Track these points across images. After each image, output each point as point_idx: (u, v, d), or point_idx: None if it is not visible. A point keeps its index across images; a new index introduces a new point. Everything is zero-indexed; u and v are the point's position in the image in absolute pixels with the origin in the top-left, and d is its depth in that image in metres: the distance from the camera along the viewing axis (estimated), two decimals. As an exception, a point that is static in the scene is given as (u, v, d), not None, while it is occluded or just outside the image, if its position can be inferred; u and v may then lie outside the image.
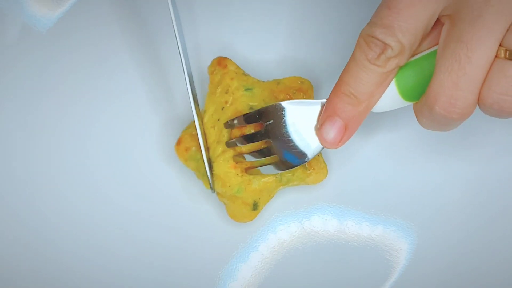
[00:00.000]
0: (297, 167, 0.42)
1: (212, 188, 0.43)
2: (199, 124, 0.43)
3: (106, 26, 0.48)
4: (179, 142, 0.44)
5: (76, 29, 0.48)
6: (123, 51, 0.48)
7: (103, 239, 0.45)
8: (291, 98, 0.43)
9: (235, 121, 0.42)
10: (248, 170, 0.42)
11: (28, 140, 0.47)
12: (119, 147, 0.46)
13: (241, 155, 0.43)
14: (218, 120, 0.43)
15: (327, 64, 0.47)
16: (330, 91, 0.39)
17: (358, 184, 0.45)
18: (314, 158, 0.43)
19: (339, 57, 0.43)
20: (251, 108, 0.43)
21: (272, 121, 0.41)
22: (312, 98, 0.44)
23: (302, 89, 0.44)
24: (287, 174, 0.43)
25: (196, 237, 0.45)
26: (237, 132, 0.43)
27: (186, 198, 0.46)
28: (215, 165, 0.43)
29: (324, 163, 0.44)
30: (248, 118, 0.42)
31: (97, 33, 0.48)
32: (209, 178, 0.43)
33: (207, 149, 0.44)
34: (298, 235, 0.45)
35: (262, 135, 0.42)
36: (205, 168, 0.43)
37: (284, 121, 0.41)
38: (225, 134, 0.43)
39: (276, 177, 0.43)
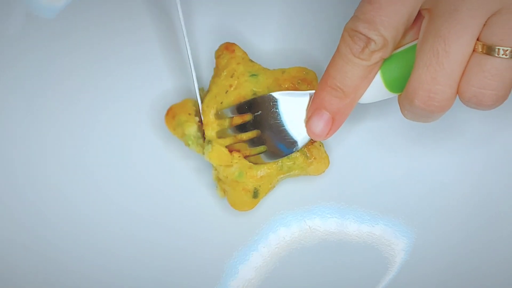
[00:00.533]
0: (298, 156, 0.42)
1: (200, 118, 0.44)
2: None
3: (109, 16, 0.48)
4: (167, 112, 0.44)
5: (77, 23, 0.48)
6: (124, 43, 0.48)
7: (103, 239, 0.45)
8: (295, 88, 0.44)
9: (227, 111, 0.43)
10: (248, 157, 0.43)
11: (28, 140, 0.47)
12: (118, 147, 0.47)
13: (236, 143, 0.43)
14: (221, 103, 0.44)
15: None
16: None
17: (359, 182, 0.45)
18: (315, 147, 0.43)
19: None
20: (254, 94, 0.43)
21: (260, 112, 0.42)
22: None
23: (307, 80, 0.44)
24: (288, 162, 0.43)
25: (196, 236, 0.45)
26: (238, 120, 0.43)
27: (186, 198, 0.46)
28: (213, 143, 0.43)
29: (326, 153, 0.44)
30: (239, 108, 0.43)
31: (98, 28, 0.48)
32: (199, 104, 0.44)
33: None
34: (299, 234, 0.45)
35: (251, 125, 0.42)
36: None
37: (273, 111, 0.41)
38: (226, 118, 0.44)
39: (277, 164, 0.43)
